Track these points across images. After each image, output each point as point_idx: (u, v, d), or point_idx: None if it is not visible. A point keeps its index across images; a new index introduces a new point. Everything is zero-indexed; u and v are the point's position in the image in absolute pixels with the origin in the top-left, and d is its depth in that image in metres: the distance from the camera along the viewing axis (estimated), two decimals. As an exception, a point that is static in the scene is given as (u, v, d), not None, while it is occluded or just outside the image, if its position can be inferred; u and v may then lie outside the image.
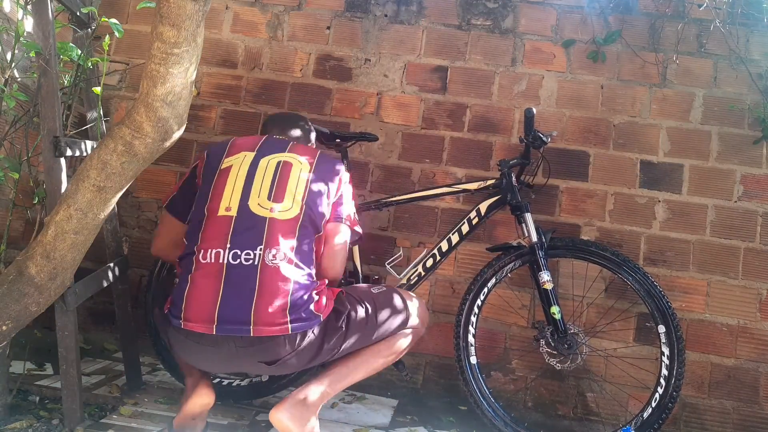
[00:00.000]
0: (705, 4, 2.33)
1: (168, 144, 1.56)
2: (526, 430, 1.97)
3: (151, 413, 1.86)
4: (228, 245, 1.52)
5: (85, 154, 1.84)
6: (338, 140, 2.20)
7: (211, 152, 1.76)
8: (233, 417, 1.91)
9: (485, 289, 2.07)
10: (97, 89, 1.92)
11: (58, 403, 1.82)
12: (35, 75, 1.74)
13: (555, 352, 1.97)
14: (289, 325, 1.47)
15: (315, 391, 1.58)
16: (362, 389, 2.30)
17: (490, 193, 2.10)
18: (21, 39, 1.72)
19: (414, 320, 1.75)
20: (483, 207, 2.08)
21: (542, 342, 1.99)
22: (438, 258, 2.09)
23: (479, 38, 2.55)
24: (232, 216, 1.57)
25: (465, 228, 2.09)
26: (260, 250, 1.51)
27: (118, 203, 1.88)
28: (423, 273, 2.09)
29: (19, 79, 1.92)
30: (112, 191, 1.55)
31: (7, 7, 2.00)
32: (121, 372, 2.17)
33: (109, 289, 2.04)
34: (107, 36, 1.90)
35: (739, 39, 2.41)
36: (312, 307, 1.52)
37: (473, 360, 2.04)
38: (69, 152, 1.74)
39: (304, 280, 1.53)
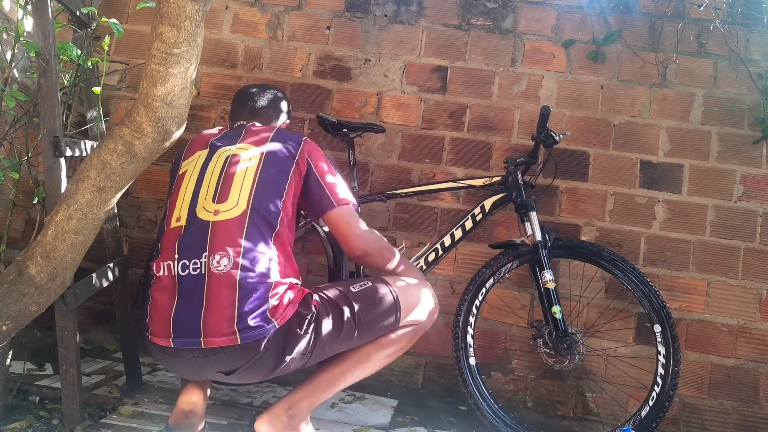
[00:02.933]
0: (705, 4, 2.33)
1: (168, 144, 1.56)
2: (526, 431, 1.97)
3: (151, 413, 1.86)
4: (176, 256, 1.47)
5: (85, 154, 1.84)
6: (345, 130, 2.18)
7: (174, 162, 1.73)
8: (233, 417, 1.91)
9: (483, 289, 2.07)
10: (97, 89, 1.92)
11: (58, 403, 1.82)
12: (35, 75, 1.74)
13: (553, 353, 1.97)
14: (238, 335, 1.39)
15: (301, 400, 1.53)
16: (362, 389, 2.30)
17: (495, 191, 2.10)
18: (21, 39, 1.72)
19: (410, 314, 1.61)
20: (488, 204, 2.08)
21: (540, 342, 1.99)
22: (440, 253, 2.08)
23: (479, 38, 2.55)
24: (182, 226, 1.52)
25: (468, 224, 2.08)
26: (205, 257, 1.44)
27: (118, 203, 1.88)
28: (424, 267, 2.08)
29: (19, 79, 1.92)
30: (112, 191, 1.55)
31: (7, 6, 2.00)
32: (121, 372, 2.17)
33: (109, 289, 2.04)
34: (107, 36, 1.90)
35: (739, 39, 2.41)
36: (267, 313, 1.42)
37: (472, 361, 2.03)
38: (69, 152, 1.74)
39: (255, 284, 1.42)
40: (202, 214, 1.51)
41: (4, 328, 1.50)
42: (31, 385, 1.92)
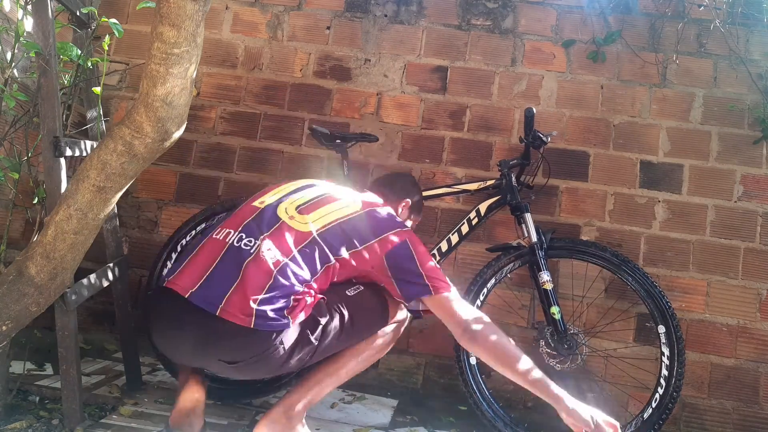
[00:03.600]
0: (705, 4, 2.34)
1: (168, 144, 1.56)
2: (525, 431, 1.97)
3: (151, 413, 1.86)
4: (240, 229, 1.55)
5: (85, 154, 1.84)
6: (338, 141, 2.20)
7: None
8: (233, 417, 1.91)
9: (485, 290, 2.07)
10: (97, 89, 1.92)
11: (58, 403, 1.82)
12: (35, 75, 1.74)
13: (555, 353, 1.97)
14: (253, 320, 1.42)
15: (297, 400, 1.58)
16: (362, 389, 2.31)
17: (490, 194, 2.10)
18: (21, 39, 1.72)
19: (398, 314, 1.71)
20: (483, 207, 2.08)
21: (542, 342, 1.99)
22: (438, 258, 2.09)
23: (479, 38, 2.55)
24: (261, 209, 1.61)
25: (465, 228, 2.09)
26: (261, 239, 1.51)
27: (118, 203, 1.88)
28: (423, 273, 2.08)
29: (19, 79, 1.92)
30: (112, 191, 1.55)
31: (7, 6, 2.00)
32: (121, 372, 2.17)
33: (109, 289, 2.04)
34: (107, 36, 1.90)
35: (739, 39, 2.41)
36: (284, 311, 1.45)
37: (473, 361, 2.04)
38: (69, 152, 1.74)
39: (285, 284, 1.46)
40: (281, 213, 1.60)
41: (4, 328, 1.50)
42: (31, 385, 1.92)
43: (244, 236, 1.53)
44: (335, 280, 1.59)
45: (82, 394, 1.75)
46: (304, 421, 1.61)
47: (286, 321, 1.45)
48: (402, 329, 1.76)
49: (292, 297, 1.48)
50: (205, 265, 1.50)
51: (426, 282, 1.58)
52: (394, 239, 1.61)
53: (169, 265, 2.13)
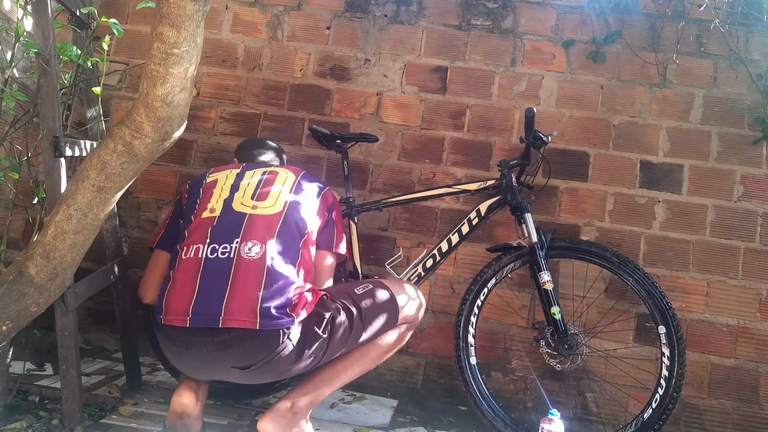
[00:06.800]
0: (705, 4, 2.33)
1: (168, 144, 1.56)
2: (525, 431, 1.97)
3: (151, 413, 1.86)
4: (207, 240, 1.54)
5: (85, 154, 1.84)
6: (338, 141, 2.20)
7: (193, 181, 1.82)
8: (233, 417, 1.91)
9: (485, 290, 2.07)
10: (97, 89, 1.92)
11: (58, 403, 1.82)
12: (35, 75, 1.74)
13: (555, 353, 1.97)
14: (258, 321, 1.43)
15: (301, 398, 1.58)
16: (362, 389, 2.30)
17: (490, 194, 2.10)
18: (21, 39, 1.72)
19: (405, 312, 1.71)
20: (483, 207, 2.08)
21: (542, 343, 1.99)
22: (438, 258, 2.09)
23: (479, 38, 2.55)
24: (215, 216, 1.60)
25: (465, 228, 2.09)
26: (237, 243, 1.51)
27: (118, 203, 1.88)
28: (423, 273, 2.09)
29: (19, 79, 1.92)
30: (112, 191, 1.55)
31: (7, 6, 2.00)
32: (121, 372, 2.17)
33: (109, 289, 2.04)
34: (107, 36, 1.90)
35: (739, 39, 2.41)
36: (287, 308, 1.47)
37: (473, 360, 2.04)
38: (69, 152, 1.74)
39: (280, 277, 1.49)
40: (238, 207, 1.61)
41: (4, 328, 1.50)
42: (31, 385, 1.92)
43: (216, 245, 1.52)
44: (312, 260, 1.65)
45: (82, 394, 1.76)
46: (308, 417, 1.61)
47: (290, 318, 1.46)
48: (410, 331, 1.78)
49: (292, 292, 1.49)
50: (189, 287, 1.49)
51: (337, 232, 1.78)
52: (329, 195, 1.80)
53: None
